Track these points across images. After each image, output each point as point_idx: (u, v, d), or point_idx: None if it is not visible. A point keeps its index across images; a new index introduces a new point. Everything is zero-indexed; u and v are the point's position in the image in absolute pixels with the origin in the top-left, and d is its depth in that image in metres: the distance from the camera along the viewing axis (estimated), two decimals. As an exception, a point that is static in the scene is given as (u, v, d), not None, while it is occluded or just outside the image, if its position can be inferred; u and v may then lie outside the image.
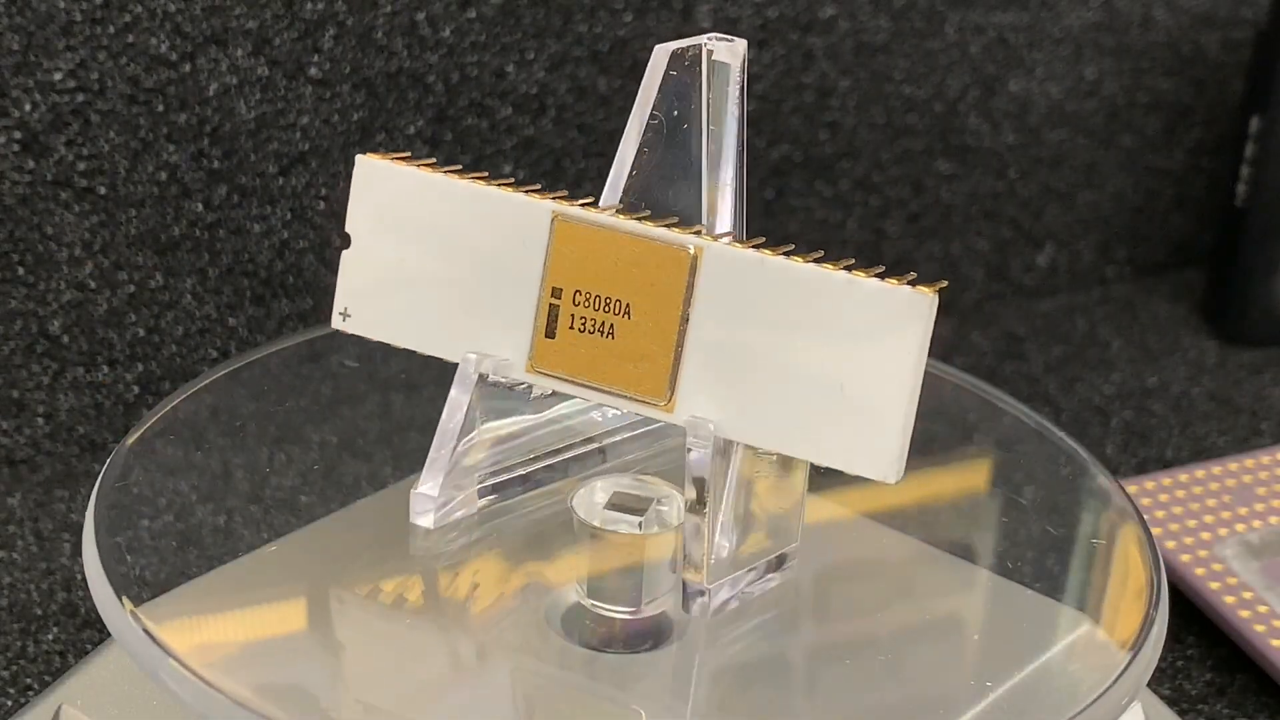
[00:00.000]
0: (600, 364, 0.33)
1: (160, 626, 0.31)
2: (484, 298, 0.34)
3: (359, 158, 0.34)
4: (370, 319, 0.35)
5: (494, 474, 0.35)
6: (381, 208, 0.34)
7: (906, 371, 0.31)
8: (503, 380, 0.34)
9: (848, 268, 0.31)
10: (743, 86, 0.34)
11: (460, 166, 0.34)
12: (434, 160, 0.34)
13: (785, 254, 0.32)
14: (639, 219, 0.33)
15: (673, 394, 0.32)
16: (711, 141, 0.34)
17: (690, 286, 0.32)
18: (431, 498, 0.34)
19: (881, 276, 0.31)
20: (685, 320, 0.32)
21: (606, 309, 0.33)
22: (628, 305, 0.32)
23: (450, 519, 0.35)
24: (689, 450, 0.32)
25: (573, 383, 0.33)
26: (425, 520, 0.34)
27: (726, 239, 0.32)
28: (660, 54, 0.33)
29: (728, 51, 0.33)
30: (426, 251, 0.34)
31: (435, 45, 0.50)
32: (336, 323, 0.35)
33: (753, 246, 0.32)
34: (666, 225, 0.32)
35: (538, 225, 0.33)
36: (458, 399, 0.34)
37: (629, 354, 0.32)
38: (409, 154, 0.35)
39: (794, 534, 0.34)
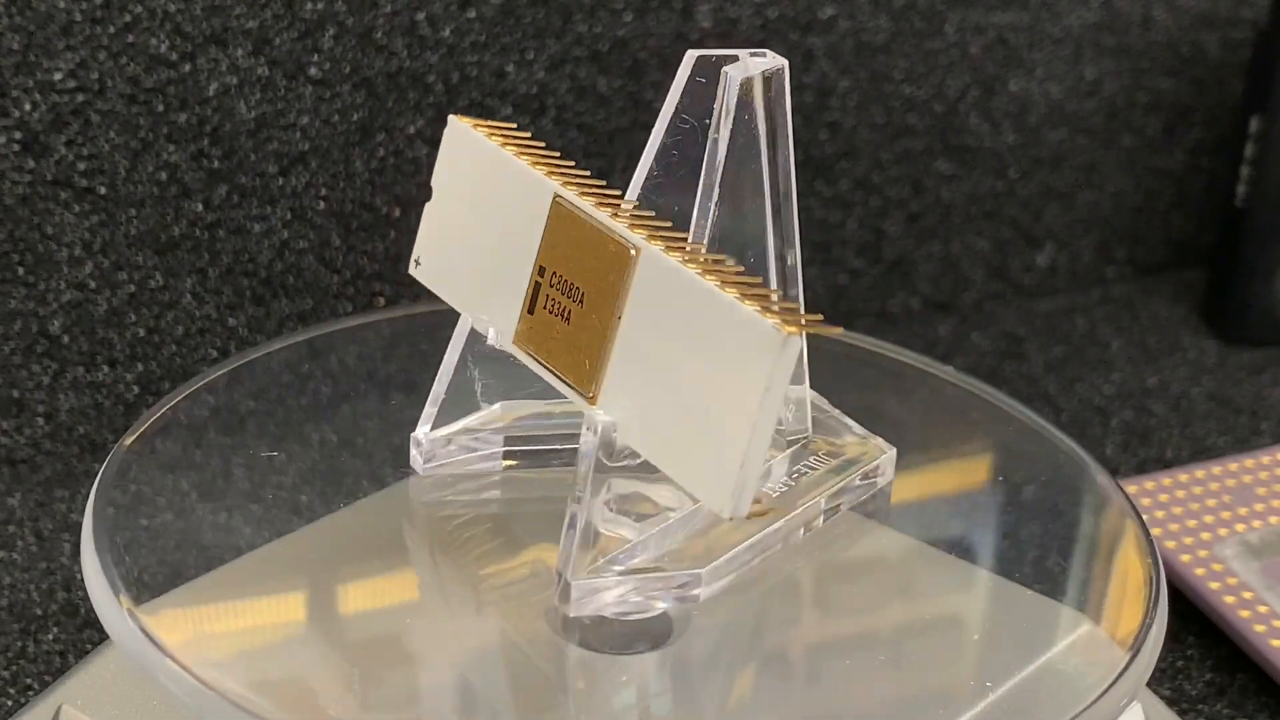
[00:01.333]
0: (556, 346, 0.33)
1: (158, 627, 0.31)
2: (501, 268, 0.34)
3: (451, 118, 0.36)
4: (434, 272, 0.36)
5: (521, 440, 0.37)
6: (458, 170, 0.36)
7: (752, 405, 0.29)
8: (501, 349, 0.35)
9: (746, 287, 0.30)
10: (770, 104, 0.34)
11: (542, 143, 0.35)
12: (520, 132, 0.35)
13: (713, 263, 0.31)
14: (623, 213, 0.32)
15: (596, 388, 0.32)
16: (728, 154, 0.34)
17: (627, 286, 0.32)
18: (419, 441, 0.36)
19: (781, 301, 0.29)
20: (618, 318, 0.32)
21: (569, 294, 0.33)
22: (583, 294, 0.32)
23: (461, 469, 0.36)
24: (580, 439, 0.32)
25: (536, 360, 0.33)
26: (415, 464, 0.36)
27: (667, 243, 0.32)
28: (690, 59, 0.34)
29: (744, 67, 0.34)
30: (477, 217, 0.35)
31: (435, 45, 0.50)
32: (411, 268, 0.37)
33: (685, 254, 0.31)
34: (652, 225, 0.32)
35: (542, 204, 0.33)
36: (452, 346, 0.36)
37: (574, 341, 0.32)
38: (502, 123, 0.35)
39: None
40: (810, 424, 0.37)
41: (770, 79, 0.34)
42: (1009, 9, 0.57)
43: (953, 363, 0.55)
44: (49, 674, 0.40)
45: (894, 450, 0.38)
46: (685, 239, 0.32)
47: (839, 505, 0.37)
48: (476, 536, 0.36)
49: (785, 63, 0.34)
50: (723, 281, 0.30)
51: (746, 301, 0.30)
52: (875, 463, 0.37)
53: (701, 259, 0.31)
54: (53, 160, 0.46)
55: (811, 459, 0.37)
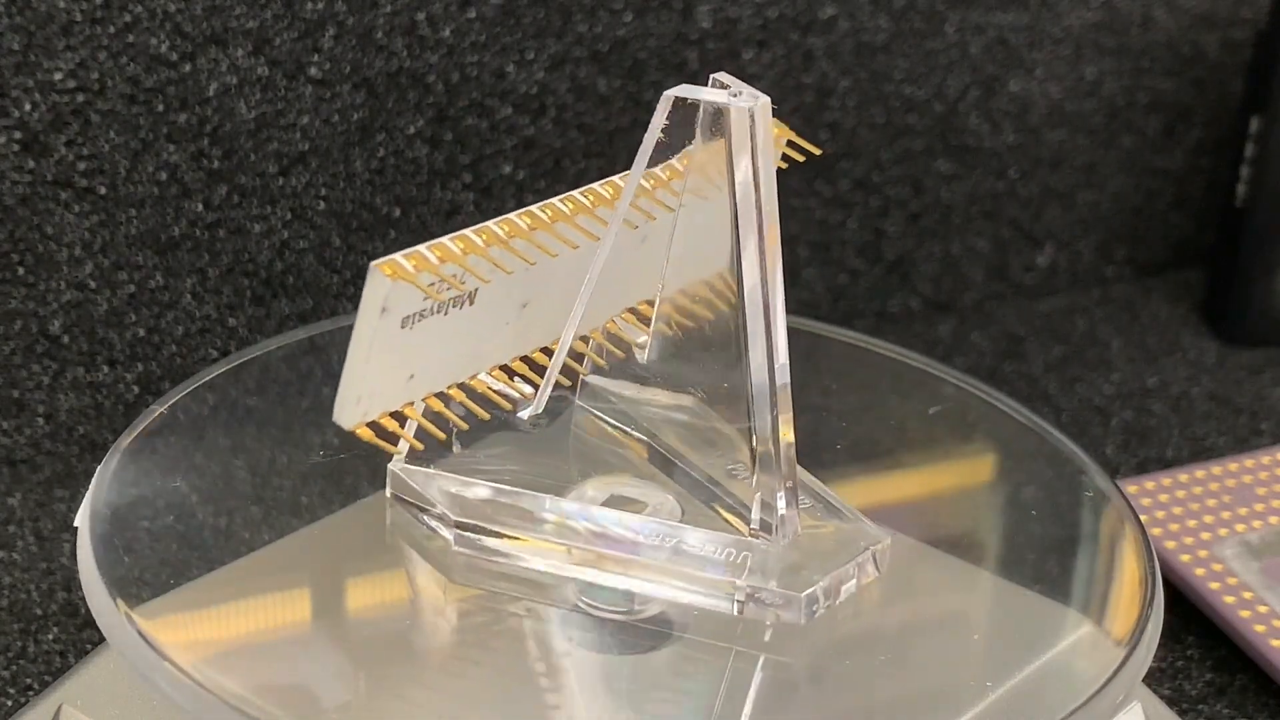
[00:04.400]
0: None
1: (155, 629, 0.31)
2: None
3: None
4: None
5: None
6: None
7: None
8: None
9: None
10: (753, 148, 0.33)
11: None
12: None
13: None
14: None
15: None
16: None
17: None
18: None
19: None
20: None
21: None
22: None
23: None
24: None
25: None
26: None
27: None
28: (666, 100, 0.34)
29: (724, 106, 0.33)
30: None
31: (435, 45, 0.50)
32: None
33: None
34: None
35: None
36: None
37: None
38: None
39: None
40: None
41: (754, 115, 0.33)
42: (1009, 9, 0.57)
43: (953, 363, 0.55)
44: (49, 674, 0.40)
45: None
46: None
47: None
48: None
49: (767, 99, 0.34)
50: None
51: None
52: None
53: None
54: (53, 160, 0.46)
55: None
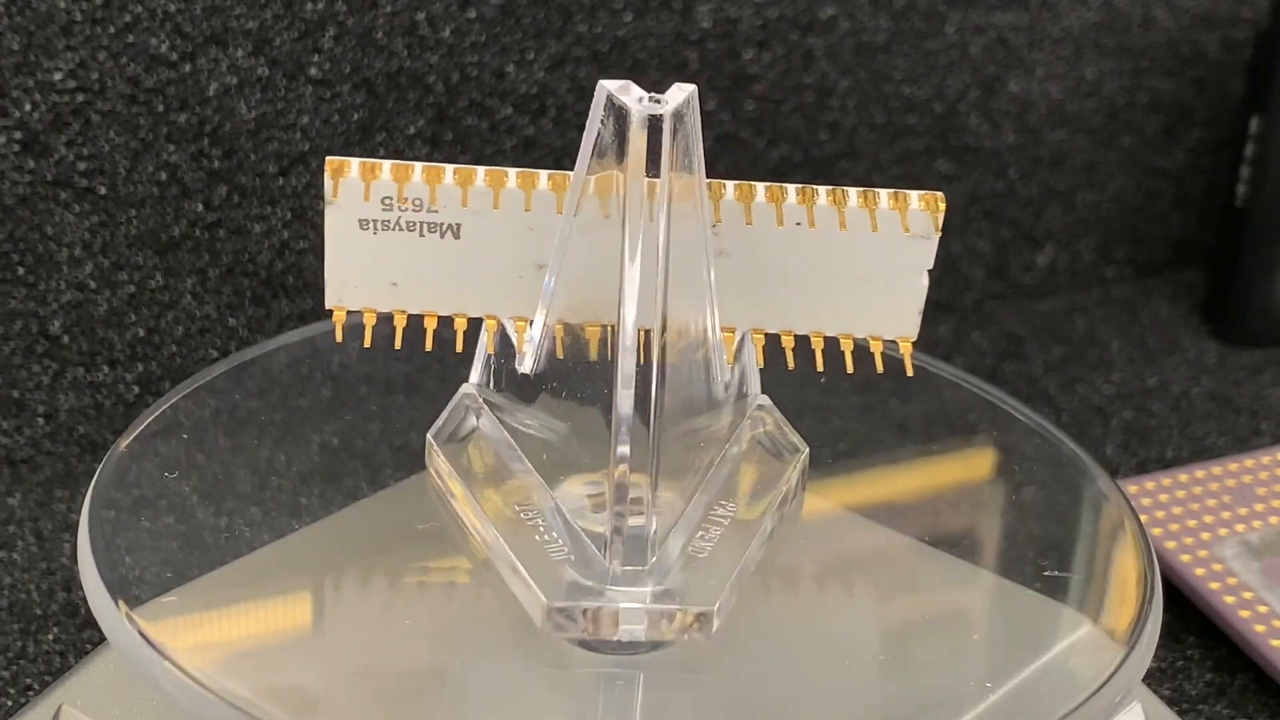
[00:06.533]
0: None
1: (156, 630, 0.31)
2: None
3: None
4: None
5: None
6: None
7: None
8: None
9: None
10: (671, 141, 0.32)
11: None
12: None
13: None
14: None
15: None
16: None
17: None
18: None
19: None
20: None
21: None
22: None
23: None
24: None
25: None
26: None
27: None
28: (600, 92, 0.32)
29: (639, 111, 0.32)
30: None
31: (435, 45, 0.50)
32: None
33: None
34: None
35: None
36: None
37: None
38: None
39: None
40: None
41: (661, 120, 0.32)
42: (1009, 9, 0.57)
43: (953, 362, 0.55)
44: (49, 674, 0.40)
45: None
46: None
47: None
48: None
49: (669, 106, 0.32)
50: None
51: None
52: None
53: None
54: (53, 160, 0.46)
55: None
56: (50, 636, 0.42)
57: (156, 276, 0.48)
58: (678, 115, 0.32)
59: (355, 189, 0.34)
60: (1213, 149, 0.62)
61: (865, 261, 0.36)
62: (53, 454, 0.48)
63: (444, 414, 0.37)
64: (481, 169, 0.35)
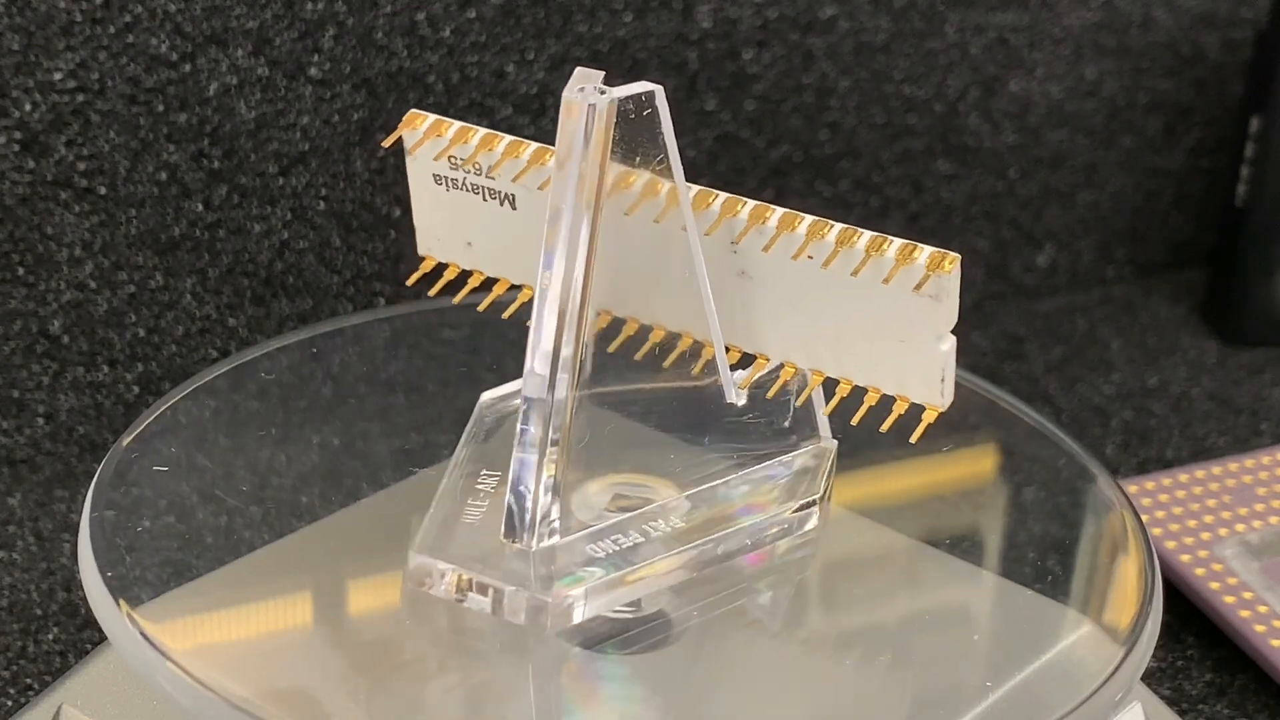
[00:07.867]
0: None
1: (157, 629, 0.31)
2: None
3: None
4: None
5: None
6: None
7: None
8: None
9: None
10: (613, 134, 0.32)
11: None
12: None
13: None
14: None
15: None
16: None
17: None
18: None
19: None
20: None
21: None
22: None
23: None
24: None
25: None
26: None
27: None
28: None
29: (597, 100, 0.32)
30: None
31: (435, 45, 0.50)
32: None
33: None
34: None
35: None
36: None
37: None
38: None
39: None
40: None
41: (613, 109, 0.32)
42: (1009, 9, 0.57)
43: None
44: (49, 674, 0.40)
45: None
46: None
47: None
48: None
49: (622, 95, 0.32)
50: None
51: None
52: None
53: None
54: (53, 160, 0.46)
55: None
56: (50, 636, 0.42)
57: (156, 276, 0.48)
58: (625, 110, 0.32)
59: (425, 144, 0.35)
60: (1213, 149, 0.62)
61: (877, 314, 0.33)
62: (53, 454, 0.48)
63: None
64: (532, 145, 0.35)
